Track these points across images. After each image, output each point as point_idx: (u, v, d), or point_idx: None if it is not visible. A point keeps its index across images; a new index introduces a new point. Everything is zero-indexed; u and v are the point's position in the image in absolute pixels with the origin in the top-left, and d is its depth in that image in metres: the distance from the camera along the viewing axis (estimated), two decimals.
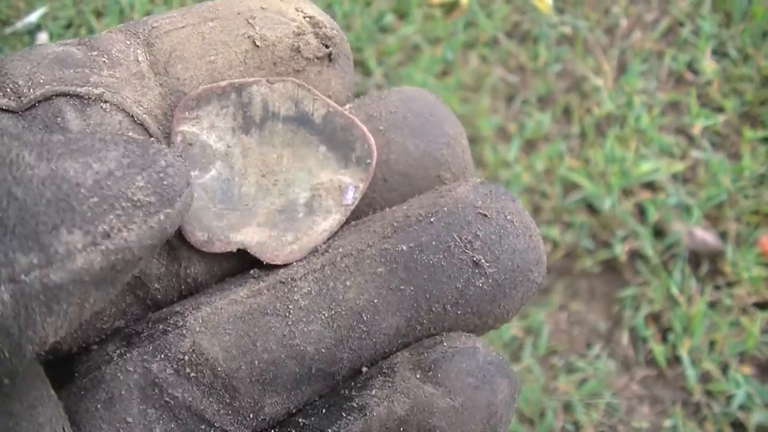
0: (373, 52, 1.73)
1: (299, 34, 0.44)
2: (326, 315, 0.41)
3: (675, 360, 1.41)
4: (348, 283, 0.41)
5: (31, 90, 0.39)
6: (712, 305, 1.44)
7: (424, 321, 0.42)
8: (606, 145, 1.59)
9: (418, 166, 0.46)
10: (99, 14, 1.89)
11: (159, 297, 0.43)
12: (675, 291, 1.44)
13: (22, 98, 0.39)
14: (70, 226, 0.30)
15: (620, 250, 1.49)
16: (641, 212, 1.54)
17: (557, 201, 1.53)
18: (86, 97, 0.39)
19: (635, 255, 1.50)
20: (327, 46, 0.45)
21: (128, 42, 0.42)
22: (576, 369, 1.42)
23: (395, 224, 0.43)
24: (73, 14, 1.89)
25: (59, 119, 0.39)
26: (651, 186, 1.56)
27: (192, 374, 0.40)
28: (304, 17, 0.45)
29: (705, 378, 1.39)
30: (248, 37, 0.43)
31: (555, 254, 1.50)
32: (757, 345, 1.39)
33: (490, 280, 0.41)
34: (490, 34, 1.75)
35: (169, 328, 0.41)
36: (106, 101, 0.40)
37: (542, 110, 1.66)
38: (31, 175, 0.30)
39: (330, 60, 0.45)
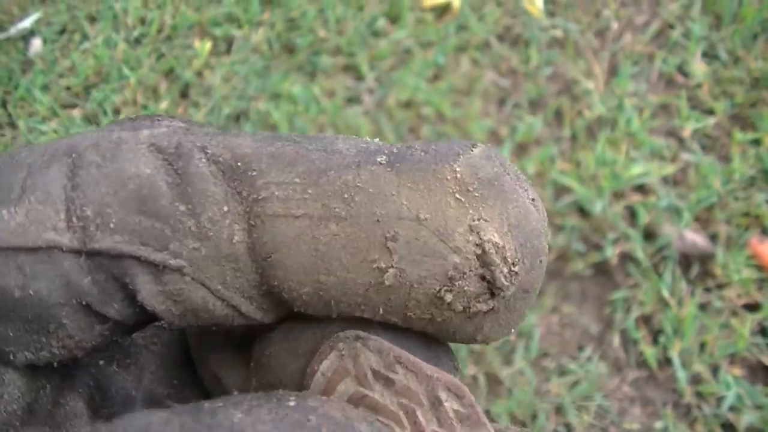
0: (366, 57, 1.74)
1: (453, 279, 0.30)
2: None
3: (666, 362, 1.42)
4: None
5: (98, 232, 0.31)
6: (703, 307, 1.45)
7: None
8: (597, 148, 1.59)
9: None
10: (92, 19, 1.90)
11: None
12: (666, 293, 1.45)
13: (86, 240, 0.31)
14: None
15: (611, 253, 1.49)
16: (632, 215, 1.54)
17: (549, 204, 1.54)
18: (162, 266, 0.31)
19: (626, 258, 1.51)
20: (492, 295, 0.31)
21: (226, 208, 0.31)
22: (568, 371, 1.43)
23: None
24: (67, 20, 1.89)
25: (128, 279, 0.31)
26: (642, 189, 1.57)
27: None
28: (476, 245, 0.30)
29: (695, 380, 1.40)
30: (378, 268, 0.30)
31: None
32: (747, 347, 1.40)
33: None
34: (481, 38, 1.76)
35: None
36: (186, 275, 0.31)
37: (533, 113, 1.67)
38: None
39: (492, 310, 0.32)
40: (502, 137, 1.63)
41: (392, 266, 0.30)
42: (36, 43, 1.88)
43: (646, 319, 1.46)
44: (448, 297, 0.30)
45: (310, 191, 0.30)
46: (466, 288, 0.30)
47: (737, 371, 1.39)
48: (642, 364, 1.43)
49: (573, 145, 1.62)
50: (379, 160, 0.30)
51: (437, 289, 0.30)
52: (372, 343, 0.33)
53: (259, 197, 0.30)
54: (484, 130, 1.62)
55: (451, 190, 0.30)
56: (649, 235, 1.52)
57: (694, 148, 1.62)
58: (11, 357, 0.32)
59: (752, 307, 1.45)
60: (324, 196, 0.30)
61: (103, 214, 0.30)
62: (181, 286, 0.31)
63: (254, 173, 0.31)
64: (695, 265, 1.49)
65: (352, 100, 1.71)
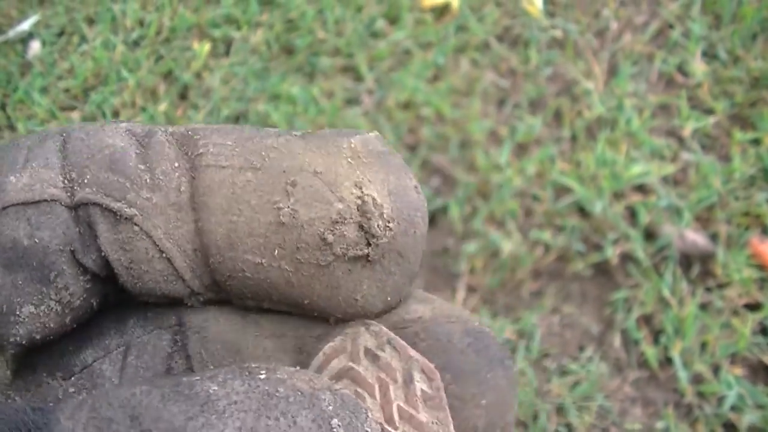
0: (365, 58, 1.74)
1: (336, 222, 0.36)
2: None
3: (667, 362, 1.42)
4: None
5: (78, 189, 0.37)
6: (704, 307, 1.45)
7: None
8: (597, 149, 1.59)
9: None
10: (91, 21, 1.89)
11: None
12: (666, 293, 1.45)
13: (72, 197, 0.37)
14: None
15: (612, 253, 1.49)
16: (632, 215, 1.54)
17: (549, 204, 1.54)
18: (118, 214, 0.37)
19: (627, 258, 1.51)
20: (369, 244, 0.37)
21: (177, 164, 0.38)
22: (568, 372, 1.43)
23: None
24: (65, 22, 1.89)
25: (94, 227, 0.37)
26: (642, 189, 1.57)
27: None
28: (358, 197, 0.37)
29: (697, 379, 1.39)
30: (277, 208, 0.36)
31: (547, 258, 1.51)
32: (749, 346, 1.40)
33: None
34: (481, 39, 1.76)
35: None
36: (136, 224, 0.37)
37: (533, 114, 1.67)
38: None
39: (368, 261, 0.37)
40: (501, 137, 1.63)
41: (288, 207, 0.36)
42: (35, 46, 1.88)
43: (646, 319, 1.45)
44: (330, 237, 0.36)
45: (237, 149, 0.37)
46: (346, 233, 0.36)
47: (738, 371, 1.39)
48: (643, 364, 1.43)
49: (573, 145, 1.62)
50: (295, 133, 0.38)
51: (322, 230, 0.36)
52: (372, 327, 0.38)
53: (199, 153, 0.37)
54: (484, 130, 1.62)
55: (345, 155, 0.37)
56: (649, 235, 1.52)
57: (694, 147, 1.62)
58: (17, 311, 0.37)
59: (753, 307, 1.44)
60: (247, 153, 0.37)
61: (83, 173, 0.37)
62: (130, 234, 0.37)
63: (198, 137, 0.38)
64: (696, 265, 1.49)
65: (352, 101, 1.71)
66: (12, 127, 1.76)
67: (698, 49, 1.73)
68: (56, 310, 0.37)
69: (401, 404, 0.36)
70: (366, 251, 0.37)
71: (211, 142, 0.38)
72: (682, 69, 1.73)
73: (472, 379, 0.38)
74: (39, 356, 0.40)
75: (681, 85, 1.71)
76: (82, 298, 0.38)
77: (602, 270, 1.51)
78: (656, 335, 1.44)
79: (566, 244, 1.51)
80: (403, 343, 0.37)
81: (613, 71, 1.73)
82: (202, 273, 0.38)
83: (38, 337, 0.37)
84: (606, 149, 1.59)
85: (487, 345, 0.39)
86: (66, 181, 0.37)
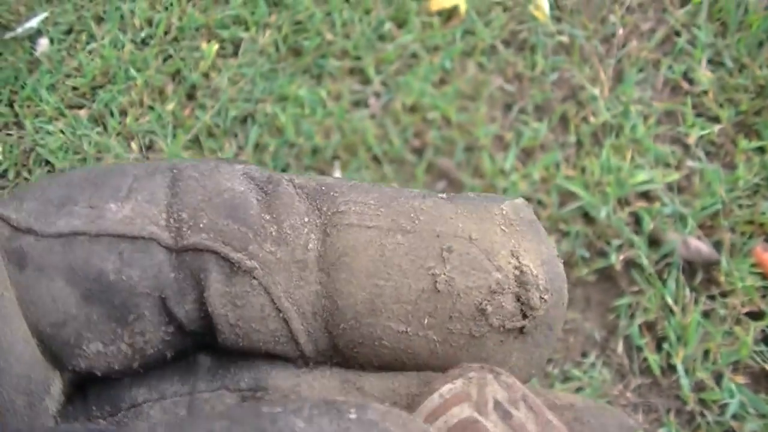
0: (372, 61, 1.74)
1: (495, 292, 0.35)
2: None
3: (669, 369, 1.42)
4: None
5: (189, 233, 0.34)
6: (706, 315, 1.45)
7: None
8: (602, 155, 1.59)
9: None
10: (100, 20, 1.90)
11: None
12: (669, 300, 1.45)
13: (178, 238, 0.35)
14: None
15: (616, 259, 1.50)
16: (637, 221, 1.54)
17: (553, 210, 1.54)
18: (237, 265, 0.34)
19: (630, 264, 1.51)
20: (525, 316, 0.36)
21: (307, 219, 0.36)
22: (571, 377, 1.43)
23: None
24: (74, 20, 1.90)
25: (203, 275, 0.35)
26: (646, 195, 1.57)
27: None
28: (515, 268, 0.35)
29: (699, 387, 1.40)
30: (432, 274, 0.35)
31: None
32: (751, 354, 1.40)
33: None
34: (487, 43, 1.76)
35: None
36: (255, 278, 0.35)
37: (539, 119, 1.67)
38: None
39: (521, 333, 0.36)
40: (507, 142, 1.63)
41: (444, 273, 0.34)
42: (43, 43, 1.88)
43: (649, 326, 1.46)
44: (489, 309, 0.35)
45: (382, 210, 0.36)
46: (503, 304, 0.35)
47: (740, 379, 1.39)
48: (645, 370, 1.43)
49: (578, 151, 1.63)
50: (440, 195, 0.36)
51: (480, 300, 0.35)
52: (503, 378, 0.35)
53: (339, 210, 0.36)
54: (490, 135, 1.63)
55: (498, 222, 0.36)
56: (653, 241, 1.52)
57: (699, 155, 1.62)
58: (84, 346, 0.35)
59: (756, 315, 1.45)
60: (394, 214, 0.36)
61: (196, 216, 0.34)
62: (246, 289, 0.35)
63: (336, 194, 0.36)
64: (699, 273, 1.49)
65: (359, 103, 1.71)
66: (19, 124, 1.77)
67: (704, 57, 1.73)
68: (126, 353, 0.35)
69: None
70: (522, 323, 0.36)
71: (352, 200, 0.36)
72: (687, 76, 1.73)
73: None
74: (93, 382, 0.37)
75: (686, 92, 1.71)
76: (156, 348, 0.36)
77: (606, 276, 1.51)
78: (659, 342, 1.45)
79: (570, 250, 1.51)
80: (540, 403, 0.34)
81: (619, 77, 1.73)
82: (318, 337, 0.36)
83: (99, 374, 0.36)
84: (611, 155, 1.59)
85: None
86: (172, 221, 0.35)
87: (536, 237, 0.37)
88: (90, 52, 1.85)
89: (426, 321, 0.35)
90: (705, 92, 1.70)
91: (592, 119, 1.66)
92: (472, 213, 0.36)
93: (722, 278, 1.48)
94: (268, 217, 0.35)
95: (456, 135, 1.63)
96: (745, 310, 1.45)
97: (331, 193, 0.36)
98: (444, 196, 0.37)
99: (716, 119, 1.67)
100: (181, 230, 0.35)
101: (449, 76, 1.73)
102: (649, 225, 1.52)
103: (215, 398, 0.36)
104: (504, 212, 0.37)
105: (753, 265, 1.48)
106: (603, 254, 1.52)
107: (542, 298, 0.35)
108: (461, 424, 0.33)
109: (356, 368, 0.38)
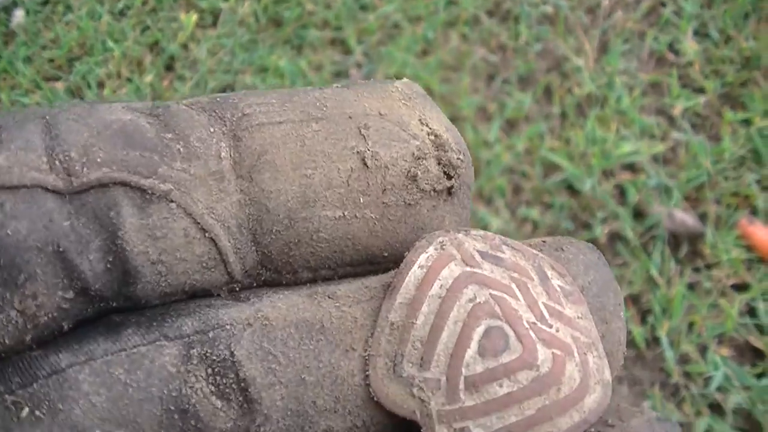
0: (354, 31, 1.72)
1: (419, 158, 0.35)
2: None
3: (654, 341, 1.41)
4: None
5: (86, 170, 0.31)
6: (692, 287, 1.44)
7: None
8: (587, 126, 1.58)
9: None
10: None
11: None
12: (654, 273, 1.44)
13: (73, 179, 0.31)
14: None
15: (600, 232, 1.49)
16: (621, 194, 1.53)
17: (538, 182, 1.53)
18: (150, 192, 0.32)
19: (615, 236, 1.50)
20: (450, 177, 0.36)
21: (212, 129, 0.34)
22: None
23: None
24: None
25: (112, 213, 0.31)
26: (631, 167, 1.56)
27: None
28: (429, 134, 0.36)
29: (683, 360, 1.39)
30: (357, 152, 0.35)
31: (535, 235, 1.50)
32: (736, 327, 1.39)
33: None
34: (471, 13, 1.74)
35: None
36: (172, 201, 0.32)
37: (523, 90, 1.66)
38: None
39: (449, 194, 0.37)
40: (491, 113, 1.61)
41: (368, 149, 0.34)
42: (18, 15, 1.85)
43: (634, 299, 1.45)
44: (418, 173, 0.35)
45: (287, 105, 0.35)
46: (429, 167, 0.35)
47: (725, 351, 1.39)
48: (630, 343, 1.42)
49: (562, 122, 1.61)
50: (334, 85, 0.36)
51: (407, 168, 0.35)
52: (473, 232, 0.35)
53: (244, 114, 0.34)
54: (473, 106, 1.61)
55: (397, 98, 0.36)
56: (638, 214, 1.51)
57: (684, 126, 1.61)
58: None
59: (741, 288, 1.44)
60: (300, 106, 0.35)
61: (89, 153, 0.31)
62: (165, 215, 0.32)
63: (235, 100, 0.34)
64: (684, 245, 1.48)
65: (340, 74, 1.69)
66: None
67: (690, 28, 1.72)
68: (17, 323, 0.31)
69: (546, 302, 0.34)
70: (450, 183, 0.36)
71: (254, 102, 0.35)
72: (673, 47, 1.72)
73: None
74: None
75: (672, 63, 1.70)
76: (51, 316, 0.32)
77: None
78: (644, 315, 1.44)
79: (555, 222, 1.50)
80: (519, 243, 0.36)
81: (603, 48, 1.71)
82: (246, 254, 0.34)
83: None
84: (596, 127, 1.58)
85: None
86: (58, 164, 0.31)
87: (433, 108, 0.37)
88: (67, 24, 1.82)
89: (361, 200, 0.35)
90: (690, 63, 1.69)
91: (576, 90, 1.64)
92: (372, 93, 0.36)
93: (707, 251, 1.47)
94: (169, 136, 0.33)
95: (439, 106, 1.61)
96: (731, 282, 1.44)
97: (230, 101, 0.35)
98: (337, 85, 0.37)
99: (702, 91, 1.66)
100: (73, 170, 0.31)
101: (432, 46, 1.71)
102: (634, 197, 1.51)
103: (154, 351, 0.32)
104: (399, 89, 0.37)
105: (738, 238, 1.47)
106: (587, 227, 1.51)
107: (459, 158, 0.36)
108: (459, 281, 0.34)
109: (286, 282, 0.36)
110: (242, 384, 0.32)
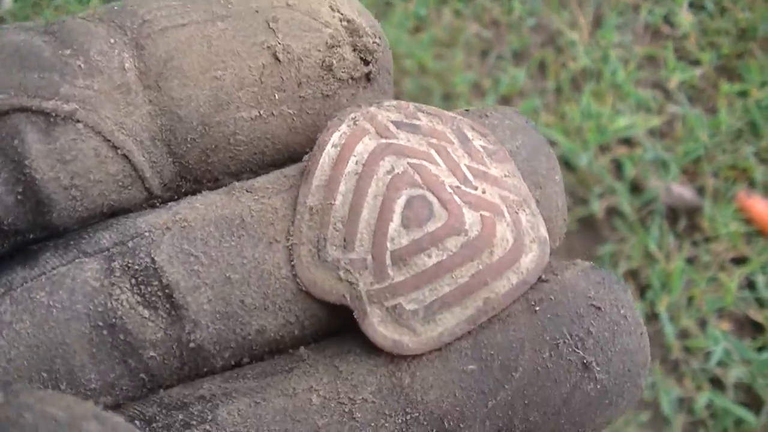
0: None
1: (333, 46, 0.34)
2: (399, 420, 0.32)
3: (653, 316, 1.40)
4: (430, 381, 0.32)
5: None
6: (690, 261, 1.43)
7: (516, 431, 0.33)
8: (582, 101, 1.57)
9: None
10: None
11: (155, 369, 0.32)
12: (653, 247, 1.43)
13: None
14: None
15: (597, 207, 1.47)
16: (618, 168, 1.52)
17: None
18: (53, 114, 0.30)
19: (612, 212, 1.49)
20: (367, 62, 0.35)
21: (112, 40, 0.32)
22: None
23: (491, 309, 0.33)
24: None
25: (16, 141, 0.30)
26: (628, 141, 1.55)
27: None
28: (341, 20, 0.35)
29: (683, 334, 1.38)
30: (267, 47, 0.33)
31: None
32: (735, 301, 1.38)
33: (598, 386, 0.33)
34: None
35: (194, 422, 0.31)
36: (78, 121, 0.31)
37: (517, 65, 1.64)
38: None
39: (368, 80, 0.36)
40: (485, 90, 1.60)
41: (279, 43, 0.33)
42: (6, 1, 1.83)
43: (633, 274, 1.44)
44: (333, 63, 0.34)
45: (189, 6, 0.33)
46: (344, 55, 0.34)
47: (725, 326, 1.38)
48: None
49: (557, 97, 1.60)
50: None
51: (321, 58, 0.34)
52: (386, 103, 0.35)
53: (145, 20, 0.32)
54: (467, 82, 1.60)
55: None
56: (635, 188, 1.50)
57: (681, 99, 1.60)
58: None
59: (740, 261, 1.43)
60: (203, 6, 0.33)
61: None
62: (72, 137, 0.30)
63: (133, 7, 0.33)
64: (682, 219, 1.47)
65: None
66: None
67: (685, 0, 1.71)
68: None
69: (468, 163, 0.34)
70: (368, 68, 0.35)
71: (154, 7, 0.33)
72: (668, 20, 1.71)
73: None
74: None
75: (667, 36, 1.69)
76: None
77: (588, 224, 1.49)
78: (642, 290, 1.43)
79: None
80: (436, 108, 0.35)
81: (598, 22, 1.70)
82: (162, 167, 0.33)
83: None
84: (591, 101, 1.57)
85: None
86: None
87: None
88: (56, 8, 1.80)
89: (277, 96, 0.34)
90: (686, 36, 1.68)
91: (571, 65, 1.63)
92: None
93: (706, 224, 1.46)
94: (68, 52, 0.31)
95: (432, 83, 1.60)
96: (729, 256, 1.44)
97: (128, 8, 0.33)
98: None
99: (698, 63, 1.65)
100: None
101: (424, 23, 1.69)
102: (630, 171, 1.50)
103: (75, 269, 0.32)
104: None
105: (736, 211, 1.46)
106: (584, 202, 1.50)
107: (375, 42, 0.35)
108: (373, 155, 0.33)
109: (210, 185, 0.35)
110: (167, 290, 0.31)
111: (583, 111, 1.55)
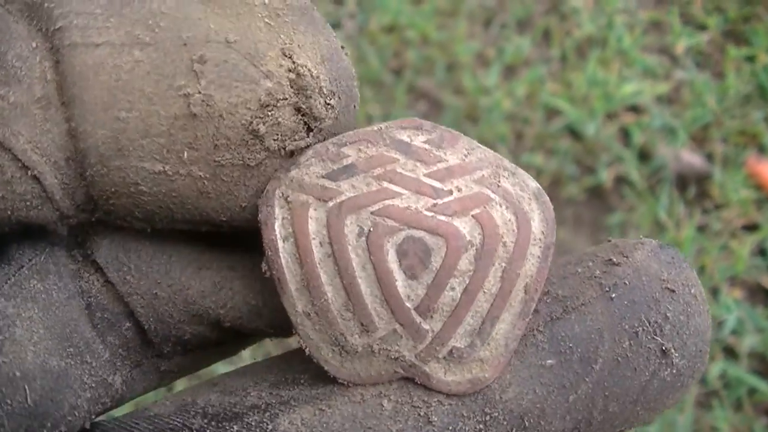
0: None
1: (267, 106, 0.29)
2: (478, 420, 0.31)
3: None
4: (508, 378, 0.31)
5: None
6: (701, 229, 1.42)
7: (594, 423, 0.32)
8: (588, 68, 1.55)
9: None
10: None
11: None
12: (663, 216, 1.42)
13: None
14: None
15: (606, 176, 1.46)
16: (626, 136, 1.51)
17: (540, 127, 1.50)
18: None
19: (621, 180, 1.48)
20: (310, 130, 0.30)
21: (34, 44, 0.28)
22: None
23: (565, 299, 0.33)
24: None
25: None
26: (635, 109, 1.53)
27: None
28: (289, 71, 0.29)
29: None
30: (184, 95, 0.28)
31: (539, 182, 1.46)
32: (747, 269, 1.37)
33: (674, 371, 0.32)
34: None
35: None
36: None
37: (521, 34, 1.63)
38: None
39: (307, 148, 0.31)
40: (489, 59, 1.58)
41: (199, 92, 0.28)
42: None
43: None
44: (261, 128, 0.28)
45: (112, 19, 0.28)
46: (280, 119, 0.29)
47: (737, 294, 1.37)
48: None
49: (563, 65, 1.58)
50: None
51: (249, 119, 0.28)
52: (302, 158, 0.30)
53: (57, 27, 0.28)
54: (471, 52, 1.58)
55: (260, 15, 0.29)
56: (643, 156, 1.49)
57: (688, 65, 1.58)
58: None
59: (751, 228, 1.42)
60: (128, 23, 0.28)
61: None
62: None
63: (52, 4, 0.28)
64: (692, 187, 1.46)
65: (333, 25, 1.64)
66: None
67: None
68: None
69: (426, 171, 0.31)
70: (307, 141, 0.30)
71: (73, 10, 0.28)
72: None
73: None
74: None
75: (672, 0, 1.67)
76: None
77: (596, 193, 1.48)
78: None
79: (558, 168, 1.47)
80: (353, 131, 0.31)
81: None
82: (74, 189, 0.29)
83: None
84: (597, 69, 1.55)
85: None
86: None
87: (312, 27, 0.30)
88: None
89: (186, 155, 0.29)
90: (691, 0, 1.66)
91: (576, 32, 1.61)
92: (226, 8, 0.28)
93: (716, 191, 1.44)
94: None
95: (435, 54, 1.58)
96: (740, 223, 1.42)
97: (47, 5, 0.28)
98: None
99: (704, 28, 1.64)
100: None
101: None
102: (638, 139, 1.48)
103: (52, 255, 0.32)
104: (266, 1, 0.29)
105: (747, 177, 1.45)
106: (592, 171, 1.48)
107: (328, 104, 0.30)
108: (333, 226, 0.31)
109: (120, 222, 0.31)
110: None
111: (589, 79, 1.54)
